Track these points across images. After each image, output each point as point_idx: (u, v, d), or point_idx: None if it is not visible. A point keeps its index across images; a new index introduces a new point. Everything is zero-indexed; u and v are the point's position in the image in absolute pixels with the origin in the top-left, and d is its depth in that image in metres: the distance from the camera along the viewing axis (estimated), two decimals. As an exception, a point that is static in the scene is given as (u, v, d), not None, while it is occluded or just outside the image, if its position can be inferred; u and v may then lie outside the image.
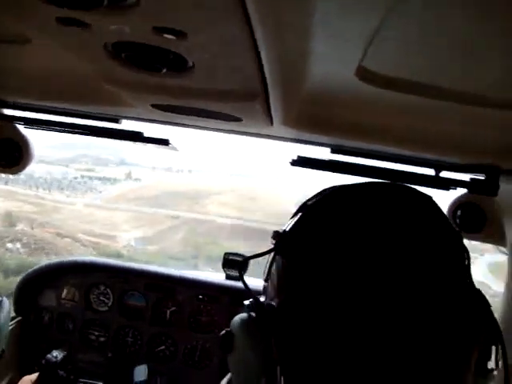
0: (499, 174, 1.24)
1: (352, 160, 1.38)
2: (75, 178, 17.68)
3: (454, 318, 0.58)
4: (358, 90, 0.84)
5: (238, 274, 2.23)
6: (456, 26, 0.58)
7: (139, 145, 1.68)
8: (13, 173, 1.76)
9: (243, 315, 0.68)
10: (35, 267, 2.38)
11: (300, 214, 0.67)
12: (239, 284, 2.05)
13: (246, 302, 0.68)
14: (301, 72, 0.83)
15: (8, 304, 1.02)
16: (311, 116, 1.13)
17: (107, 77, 0.99)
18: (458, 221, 1.46)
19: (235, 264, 2.25)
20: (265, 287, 0.71)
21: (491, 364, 0.62)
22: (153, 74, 0.87)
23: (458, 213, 1.47)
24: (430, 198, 0.65)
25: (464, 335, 0.59)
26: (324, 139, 1.36)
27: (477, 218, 1.44)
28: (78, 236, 11.55)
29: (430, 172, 1.32)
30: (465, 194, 1.46)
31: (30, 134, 1.73)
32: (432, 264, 0.59)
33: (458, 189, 1.38)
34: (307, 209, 0.67)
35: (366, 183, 0.66)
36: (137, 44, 0.73)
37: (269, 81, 0.84)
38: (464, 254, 0.64)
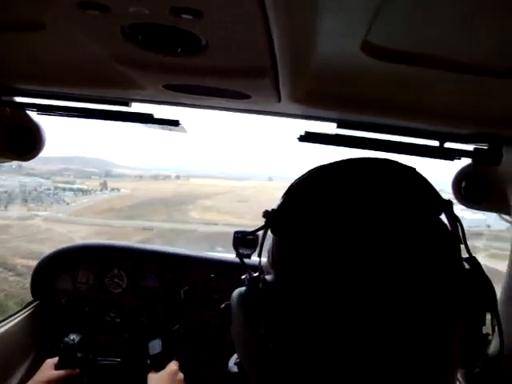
0: (502, 143, 1.26)
1: (358, 134, 1.40)
2: (48, 189, 16.58)
3: (441, 289, 0.59)
4: (364, 64, 0.86)
5: (248, 253, 2.30)
6: None
7: (148, 127, 1.70)
8: (25, 160, 1.78)
9: (240, 289, 0.71)
10: (49, 252, 2.43)
11: (287, 193, 0.69)
12: (251, 261, 2.09)
13: (243, 277, 0.71)
14: (308, 48, 0.85)
15: None
16: (318, 91, 1.15)
17: (122, 59, 1.01)
18: (463, 192, 1.49)
19: (245, 242, 2.26)
20: (259, 263, 0.74)
21: (487, 329, 0.64)
22: (167, 55, 0.90)
23: (463, 184, 1.49)
24: (413, 169, 0.66)
25: (451, 303, 0.60)
26: (330, 114, 1.38)
27: (482, 188, 1.46)
28: (12, 262, 9.13)
29: (435, 143, 1.34)
30: (469, 164, 1.48)
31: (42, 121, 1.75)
32: (417, 235, 0.59)
33: (463, 159, 1.39)
34: (292, 187, 0.69)
35: (348, 159, 0.68)
36: (154, 25, 0.76)
37: (278, 57, 0.87)
38: (456, 223, 0.65)
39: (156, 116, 1.54)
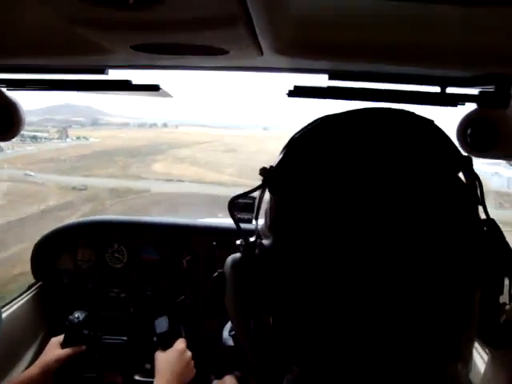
0: (510, 83, 1.17)
1: (352, 85, 1.30)
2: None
3: (456, 251, 0.53)
4: (349, 4, 0.77)
5: (249, 218, 2.27)
6: None
7: (128, 95, 1.59)
8: (6, 139, 1.66)
9: (235, 255, 0.65)
10: (46, 232, 2.40)
11: (287, 148, 0.63)
12: (252, 227, 2.07)
13: (238, 242, 0.65)
14: None
15: None
16: (303, 40, 1.05)
17: (75, 20, 0.91)
18: (468, 139, 1.39)
19: (243, 207, 2.20)
20: (256, 227, 0.68)
21: (504, 298, 0.59)
22: (122, 10, 0.79)
23: (469, 131, 1.38)
24: (431, 121, 0.60)
25: (467, 266, 0.54)
26: (320, 65, 1.27)
27: (489, 133, 1.36)
28: None
29: (436, 90, 1.24)
30: (474, 110, 1.38)
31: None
32: (432, 193, 0.54)
33: (468, 105, 1.30)
34: (294, 142, 0.62)
35: (357, 110, 0.60)
36: None
37: (249, 2, 0.76)
38: (474, 181, 0.60)
39: (134, 82, 1.42)
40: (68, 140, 18.01)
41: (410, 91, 1.27)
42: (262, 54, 1.11)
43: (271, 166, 0.63)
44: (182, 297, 2.34)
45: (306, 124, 0.63)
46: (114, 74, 1.46)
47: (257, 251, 0.60)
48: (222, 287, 0.67)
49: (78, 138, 18.80)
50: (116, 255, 2.38)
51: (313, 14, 0.87)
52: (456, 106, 1.26)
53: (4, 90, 1.56)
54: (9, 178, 13.01)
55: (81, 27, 0.94)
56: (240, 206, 2.21)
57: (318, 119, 0.62)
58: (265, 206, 0.67)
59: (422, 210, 0.52)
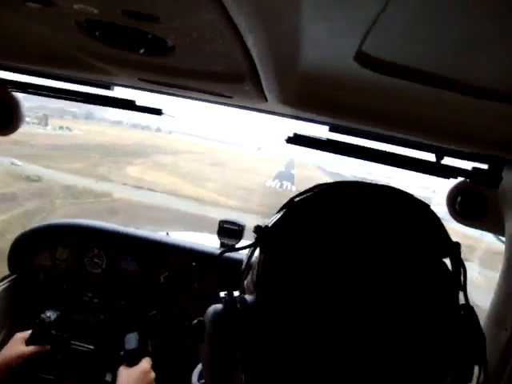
0: (503, 164, 1.21)
1: (351, 140, 1.33)
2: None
3: (430, 337, 0.55)
4: (358, 74, 0.80)
5: (232, 243, 2.31)
6: (457, 15, 0.54)
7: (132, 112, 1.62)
8: (4, 134, 1.70)
9: (217, 307, 0.65)
10: (31, 227, 2.41)
11: (286, 209, 0.64)
12: (233, 254, 2.12)
13: (222, 294, 0.65)
14: (294, 56, 0.78)
15: None
16: (308, 95, 1.09)
17: (86, 51, 0.94)
18: (457, 207, 1.44)
19: (229, 233, 2.31)
20: (242, 280, 0.69)
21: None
22: (131, 53, 0.81)
23: (458, 199, 1.43)
24: (427, 206, 0.63)
25: (439, 352, 0.56)
26: (322, 118, 1.30)
27: (477, 205, 1.41)
28: None
29: (431, 157, 1.28)
30: (466, 180, 1.41)
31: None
32: (417, 278, 0.56)
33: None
34: (294, 205, 0.64)
35: (360, 183, 0.63)
36: (109, 23, 0.68)
37: (258, 64, 0.79)
38: (460, 268, 0.62)
39: (138, 103, 1.47)
40: (48, 128, 17.09)
41: (406, 157, 1.30)
42: (266, 101, 1.14)
43: (266, 225, 0.65)
44: (154, 311, 2.34)
45: (306, 189, 0.66)
46: (119, 91, 1.50)
47: (238, 306, 0.61)
48: (200, 336, 0.68)
49: (61, 127, 17.81)
50: (95, 260, 2.38)
51: (318, 75, 0.91)
52: (448, 179, 1.30)
53: (9, 90, 1.61)
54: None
55: (91, 57, 0.97)
56: (228, 231, 2.31)
57: (319, 186, 0.65)
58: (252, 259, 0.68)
59: (403, 291, 0.54)
